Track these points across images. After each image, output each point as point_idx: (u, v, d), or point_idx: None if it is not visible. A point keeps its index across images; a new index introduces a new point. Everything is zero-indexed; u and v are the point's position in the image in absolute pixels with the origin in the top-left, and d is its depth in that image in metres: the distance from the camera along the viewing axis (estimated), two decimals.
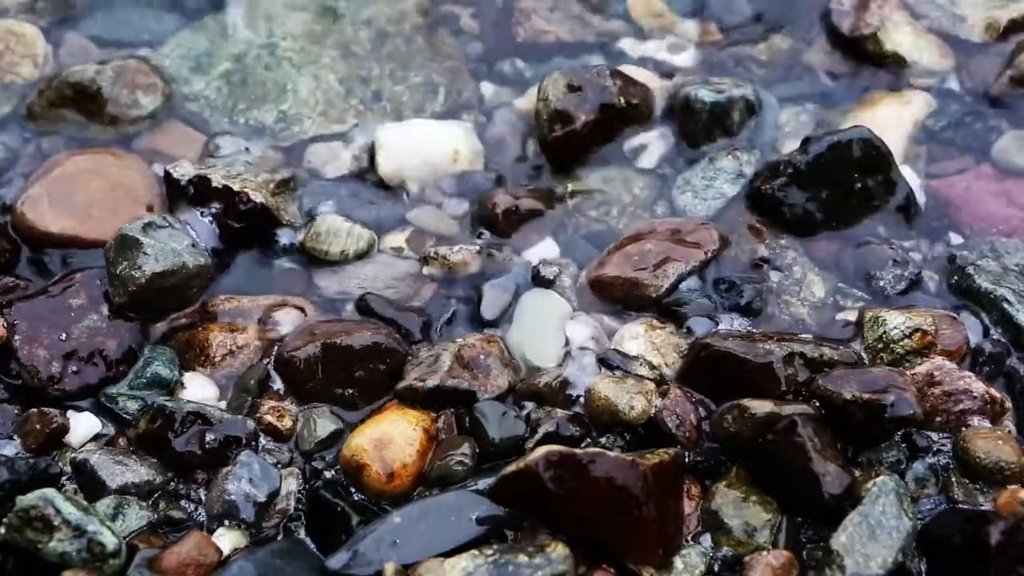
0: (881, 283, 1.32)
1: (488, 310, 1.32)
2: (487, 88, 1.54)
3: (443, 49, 1.57)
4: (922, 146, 1.47)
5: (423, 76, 1.54)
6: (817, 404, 1.17)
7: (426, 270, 1.35)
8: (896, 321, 1.26)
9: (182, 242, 1.28)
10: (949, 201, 1.42)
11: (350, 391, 1.25)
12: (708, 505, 1.17)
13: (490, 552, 1.07)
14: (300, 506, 1.19)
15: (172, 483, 1.21)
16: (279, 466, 1.21)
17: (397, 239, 1.38)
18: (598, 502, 1.09)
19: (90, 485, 1.19)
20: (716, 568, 1.14)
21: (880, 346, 1.26)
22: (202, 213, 1.33)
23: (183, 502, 1.19)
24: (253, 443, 1.21)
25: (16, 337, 1.26)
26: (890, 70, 1.51)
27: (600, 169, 1.44)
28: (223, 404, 1.26)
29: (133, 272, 1.26)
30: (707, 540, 1.16)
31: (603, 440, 1.21)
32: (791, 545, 1.14)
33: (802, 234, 1.36)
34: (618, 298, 1.30)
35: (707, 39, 1.57)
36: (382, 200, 1.42)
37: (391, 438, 1.19)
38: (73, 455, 1.21)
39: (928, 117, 1.48)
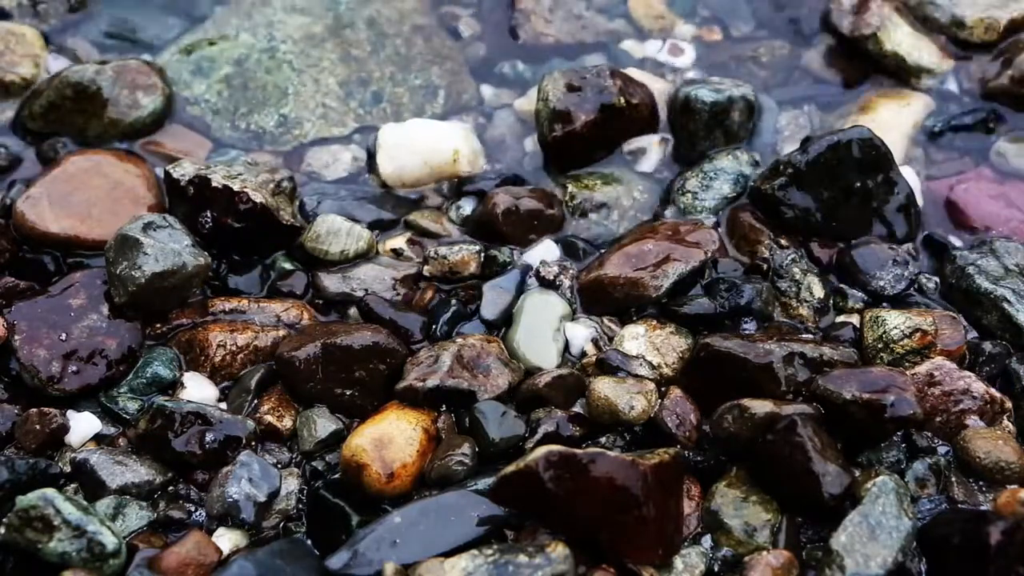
0: (881, 283, 1.32)
1: (488, 310, 1.32)
2: (487, 90, 1.55)
3: (443, 51, 1.57)
4: (921, 147, 1.47)
5: (423, 78, 1.55)
6: (817, 404, 1.17)
7: (426, 270, 1.35)
8: (896, 321, 1.26)
9: (182, 242, 1.28)
10: (949, 202, 1.42)
11: (350, 392, 1.25)
12: (708, 505, 1.17)
13: (490, 552, 1.07)
14: (300, 506, 1.19)
15: (172, 483, 1.21)
16: (279, 466, 1.21)
17: (397, 240, 1.38)
18: (598, 502, 1.08)
19: (90, 485, 1.19)
20: (716, 568, 1.14)
21: (880, 346, 1.26)
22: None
23: (183, 502, 1.19)
24: (253, 443, 1.21)
25: (16, 337, 1.26)
26: (890, 71, 1.51)
27: (600, 169, 1.44)
28: (223, 404, 1.26)
29: (133, 272, 1.26)
30: (707, 540, 1.16)
31: (603, 440, 1.21)
32: (791, 545, 1.14)
33: (802, 234, 1.36)
34: (618, 298, 1.30)
35: (708, 41, 1.58)
36: (382, 201, 1.42)
37: (391, 438, 1.19)
38: (73, 455, 1.21)
39: (928, 118, 1.48)
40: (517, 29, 1.58)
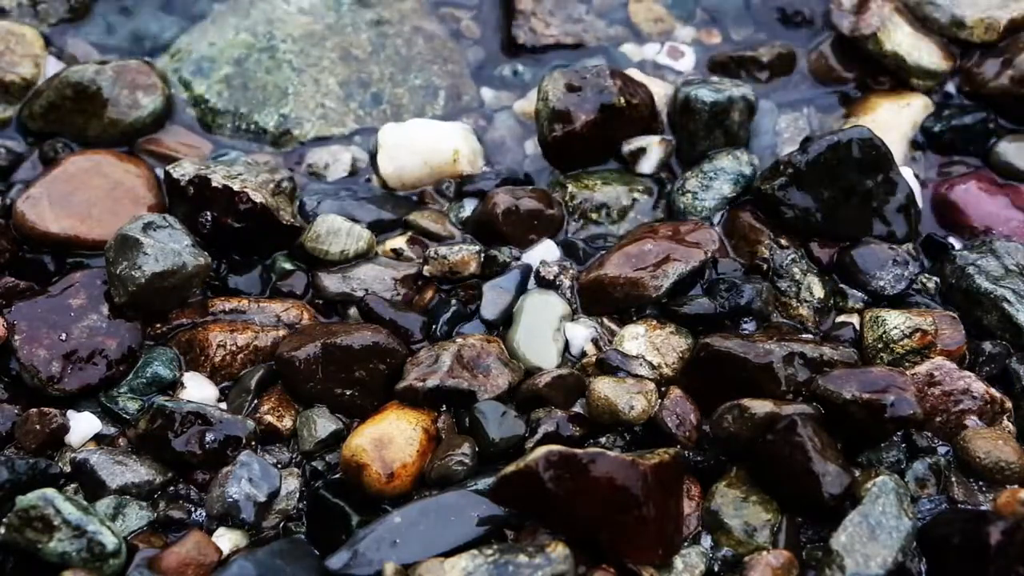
0: (881, 283, 1.32)
1: (488, 310, 1.32)
2: (487, 92, 1.55)
3: (443, 52, 1.57)
4: (921, 148, 1.47)
5: (423, 79, 1.54)
6: (817, 404, 1.17)
7: (426, 270, 1.35)
8: (896, 321, 1.26)
9: (182, 242, 1.28)
10: (949, 202, 1.42)
11: (350, 392, 1.25)
12: (708, 505, 1.17)
13: (490, 552, 1.07)
14: (300, 506, 1.19)
15: (172, 483, 1.21)
16: (279, 466, 1.21)
17: (398, 240, 1.38)
18: (598, 502, 1.08)
19: (90, 485, 1.19)
20: (716, 568, 1.14)
21: (880, 346, 1.26)
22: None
23: (183, 502, 1.19)
24: (253, 443, 1.21)
25: (16, 337, 1.26)
26: (889, 71, 1.51)
27: (600, 169, 1.45)
28: (223, 404, 1.26)
29: (133, 272, 1.26)
30: (707, 540, 1.16)
31: (603, 440, 1.21)
32: (791, 545, 1.14)
33: (802, 234, 1.36)
34: (618, 298, 1.30)
35: (707, 43, 1.58)
36: (382, 201, 1.42)
37: (391, 438, 1.19)
38: (73, 455, 1.21)
39: (927, 119, 1.48)
40: (517, 31, 1.58)
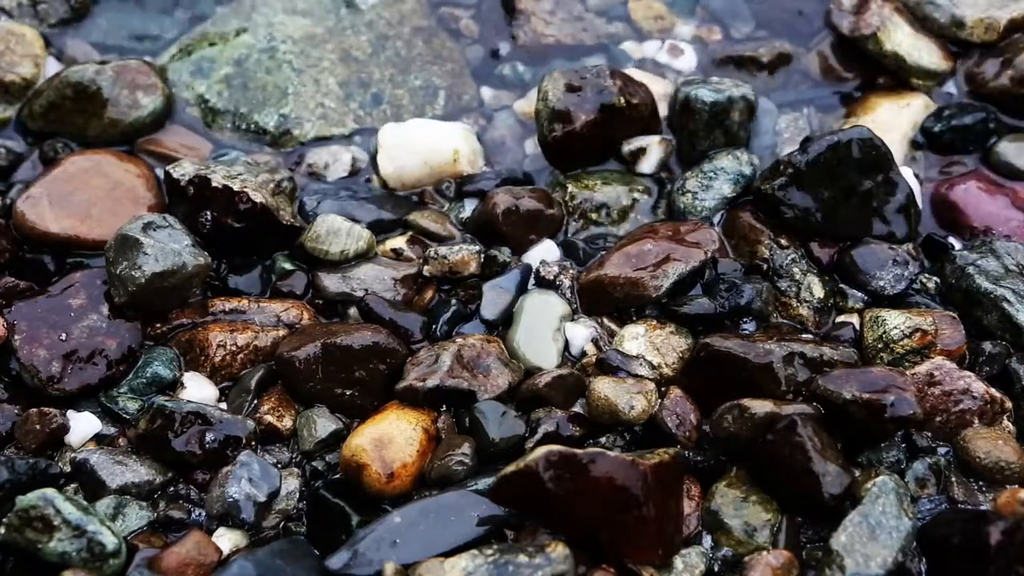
0: (881, 283, 1.32)
1: (488, 310, 1.32)
2: (487, 91, 1.54)
3: (443, 52, 1.57)
4: (921, 148, 1.47)
5: (423, 79, 1.54)
6: (817, 404, 1.17)
7: (426, 270, 1.35)
8: (896, 321, 1.26)
9: (182, 242, 1.28)
10: (949, 202, 1.42)
11: (350, 392, 1.25)
12: (708, 505, 1.17)
13: (490, 552, 1.07)
14: (300, 506, 1.19)
15: (172, 483, 1.21)
16: (279, 466, 1.21)
17: (398, 240, 1.38)
18: (598, 502, 1.08)
19: (90, 485, 1.19)
20: (716, 568, 1.14)
21: (880, 346, 1.26)
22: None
23: (183, 502, 1.19)
24: (253, 443, 1.21)
25: (16, 337, 1.26)
26: (889, 71, 1.51)
27: (600, 169, 1.44)
28: (223, 404, 1.26)
29: (133, 272, 1.26)
30: (707, 540, 1.16)
31: (603, 440, 1.21)
32: (791, 545, 1.14)
33: (802, 234, 1.36)
34: (618, 298, 1.30)
35: (708, 42, 1.58)
36: (382, 201, 1.42)
37: (391, 438, 1.19)
38: (73, 455, 1.21)
39: (927, 119, 1.48)
40: (517, 31, 1.58)
